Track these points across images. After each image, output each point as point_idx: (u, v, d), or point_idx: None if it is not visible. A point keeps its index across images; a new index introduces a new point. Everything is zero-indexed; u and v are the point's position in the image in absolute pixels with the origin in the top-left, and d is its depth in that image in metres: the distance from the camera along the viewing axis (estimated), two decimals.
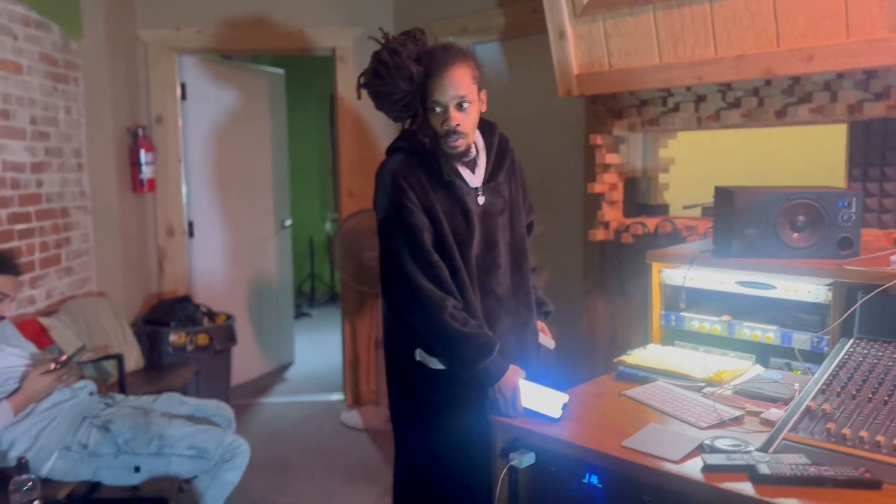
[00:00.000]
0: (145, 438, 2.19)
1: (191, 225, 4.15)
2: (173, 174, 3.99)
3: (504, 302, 1.99)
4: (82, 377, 2.52)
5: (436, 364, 1.93)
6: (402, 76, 1.85)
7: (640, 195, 2.98)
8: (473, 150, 1.97)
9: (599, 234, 2.91)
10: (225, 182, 4.35)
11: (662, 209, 2.95)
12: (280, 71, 4.77)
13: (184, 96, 4.04)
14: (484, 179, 1.97)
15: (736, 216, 2.00)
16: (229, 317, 3.94)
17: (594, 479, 1.61)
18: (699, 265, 2.12)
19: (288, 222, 4.93)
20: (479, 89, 1.92)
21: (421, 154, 1.92)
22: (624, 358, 2.09)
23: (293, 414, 4.04)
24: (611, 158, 2.88)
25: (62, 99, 3.34)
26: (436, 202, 1.89)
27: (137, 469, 2.20)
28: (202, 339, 3.64)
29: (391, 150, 2.00)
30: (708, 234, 2.51)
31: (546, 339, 2.18)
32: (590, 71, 2.65)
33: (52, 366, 2.18)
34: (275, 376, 4.73)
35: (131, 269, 3.81)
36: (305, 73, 6.12)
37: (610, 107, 2.83)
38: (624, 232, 2.85)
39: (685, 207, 2.79)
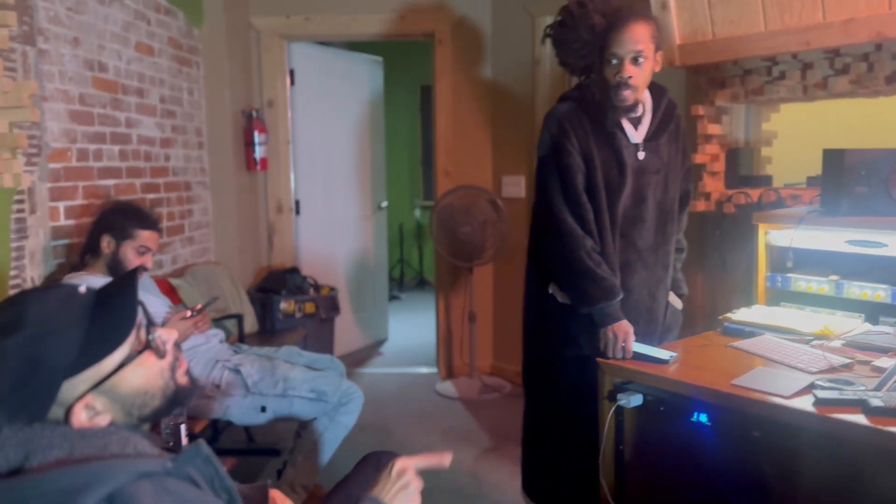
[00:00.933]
0: (271, 381, 2.39)
1: (297, 203, 4.39)
2: (283, 155, 4.23)
3: (643, 256, 2.08)
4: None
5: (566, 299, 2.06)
6: (586, 26, 2.01)
7: (742, 167, 2.98)
8: (641, 108, 2.08)
9: (700, 205, 2.93)
10: (327, 164, 4.58)
11: (765, 180, 2.94)
12: (379, 58, 4.96)
13: (292, 81, 4.28)
14: (645, 137, 2.08)
15: (846, 175, 2.01)
16: (332, 289, 4.16)
17: (702, 418, 1.67)
18: (808, 225, 2.13)
19: (384, 203, 5.13)
20: (656, 49, 2.01)
21: (589, 104, 2.06)
22: (729, 315, 2.13)
23: (390, 383, 4.22)
24: (713, 129, 2.90)
25: (186, 81, 3.61)
26: (594, 149, 2.02)
27: (263, 409, 2.40)
28: (309, 308, 3.87)
29: (562, 99, 2.15)
30: (814, 201, 2.50)
31: (675, 299, 2.26)
32: (692, 41, 2.68)
33: (189, 313, 2.40)
34: (371, 350, 4.93)
35: (245, 243, 4.08)
36: (397, 67, 6.31)
37: (712, 77, 2.85)
38: (726, 202, 2.86)
39: (787, 186, 2.77)
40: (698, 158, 2.90)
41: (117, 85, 2.96)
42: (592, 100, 2.05)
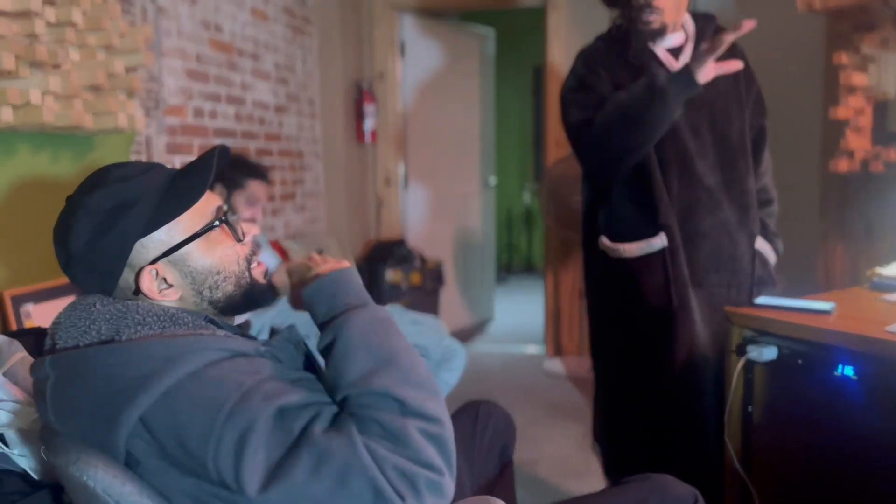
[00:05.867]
0: None
1: (405, 177, 4.37)
2: (392, 128, 4.23)
3: (714, 194, 1.88)
4: None
5: (621, 253, 1.89)
6: None
7: (891, 122, 2.66)
8: (681, 38, 1.91)
9: (842, 165, 2.63)
10: (436, 138, 4.54)
11: None
12: (490, 31, 4.87)
13: (403, 53, 4.27)
14: None
15: None
16: (439, 262, 4.11)
17: (848, 371, 1.46)
18: None
19: (493, 181, 5.03)
20: None
21: (620, 41, 1.91)
22: (878, 270, 1.88)
23: (496, 360, 4.12)
24: (858, 79, 2.60)
25: (299, 49, 3.66)
26: (627, 85, 1.85)
27: None
28: (415, 279, 3.83)
29: (594, 40, 2.02)
30: None
31: (763, 245, 1.99)
32: None
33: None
34: (476, 329, 4.85)
35: (354, 214, 4.10)
36: (510, 45, 6.20)
37: (858, 22, 2.55)
38: (873, 160, 2.55)
39: None
40: (840, 113, 2.61)
41: (232, 47, 3.02)
42: (623, 35, 1.90)
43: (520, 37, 6.35)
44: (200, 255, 1.00)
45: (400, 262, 3.86)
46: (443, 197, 4.63)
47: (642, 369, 1.92)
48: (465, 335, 4.66)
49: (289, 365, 0.97)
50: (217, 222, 1.01)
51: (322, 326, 0.99)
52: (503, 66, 5.87)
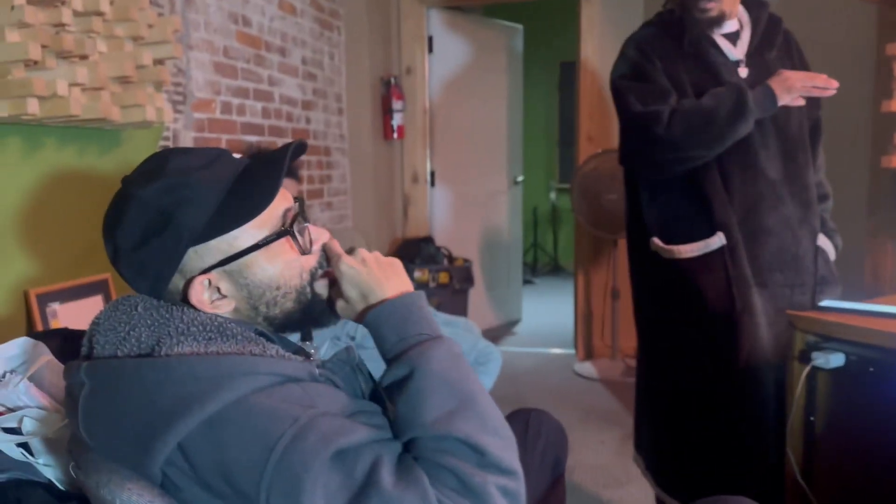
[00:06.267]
0: None
1: (432, 174, 4.29)
2: (420, 124, 4.15)
3: (777, 188, 1.78)
4: None
5: (675, 254, 1.79)
6: None
7: None
8: (736, 24, 1.83)
9: (895, 160, 2.51)
10: (463, 134, 4.45)
11: None
12: (518, 26, 4.77)
13: (430, 49, 4.19)
14: (747, 52, 1.81)
15: None
16: (466, 261, 4.02)
17: None
18: None
19: (520, 178, 4.93)
20: None
21: (673, 27, 1.82)
22: None
23: (525, 362, 4.02)
24: None
25: (327, 45, 3.60)
26: (682, 73, 1.78)
27: None
28: (443, 278, 3.75)
29: (642, 26, 1.93)
30: None
31: (825, 242, 1.89)
32: None
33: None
34: (504, 329, 4.76)
35: (380, 212, 4.03)
36: (537, 39, 6.09)
37: None
38: None
39: None
40: (893, 106, 2.48)
41: (260, 41, 2.96)
42: (677, 22, 1.81)
43: (546, 32, 6.25)
44: (260, 267, 0.89)
45: (427, 261, 3.78)
46: (470, 194, 4.54)
47: (698, 376, 1.81)
48: (493, 336, 4.56)
49: (345, 390, 0.88)
50: (283, 232, 0.90)
51: (391, 355, 0.88)
52: (531, 62, 5.77)
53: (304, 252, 0.92)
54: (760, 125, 1.75)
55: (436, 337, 0.89)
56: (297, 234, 0.91)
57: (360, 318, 0.92)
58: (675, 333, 1.86)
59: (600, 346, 3.99)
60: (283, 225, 0.90)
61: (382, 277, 0.92)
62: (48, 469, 1.13)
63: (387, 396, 0.89)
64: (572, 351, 4.16)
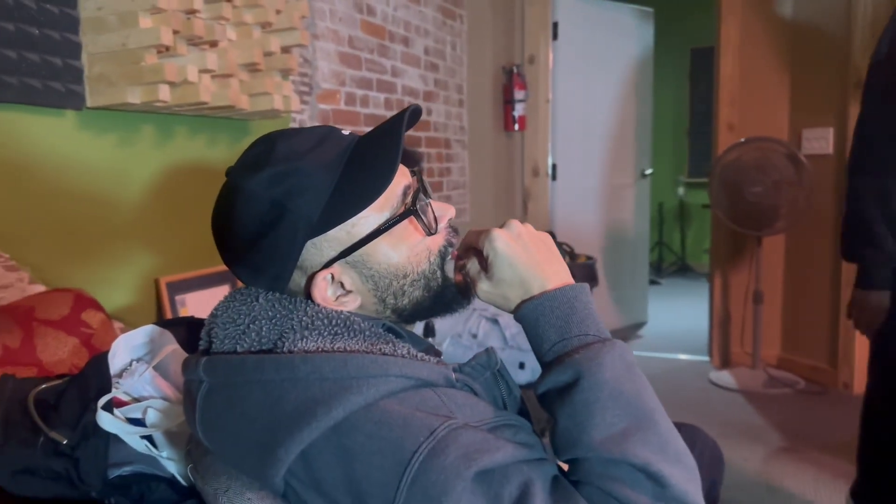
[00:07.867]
0: None
1: (554, 167, 4.12)
2: (542, 115, 3.99)
3: None
4: None
5: None
6: None
7: None
8: None
9: None
10: (588, 126, 4.25)
11: None
12: (649, 9, 4.50)
13: (555, 36, 4.01)
14: None
15: None
16: (590, 258, 3.82)
17: None
18: None
19: (648, 171, 4.66)
20: None
21: None
22: None
23: (655, 367, 3.77)
24: None
25: (449, 34, 3.51)
26: None
27: (522, 366, 2.15)
28: None
29: None
30: None
31: None
32: None
33: None
34: (628, 332, 4.51)
35: (500, 206, 3.90)
36: (666, 24, 5.76)
37: None
38: None
39: None
40: None
41: (384, 31, 2.91)
42: None
43: (677, 17, 5.90)
44: (384, 255, 0.79)
45: None
46: (593, 188, 4.33)
47: None
48: (618, 338, 4.33)
49: (485, 398, 0.76)
50: (406, 213, 0.79)
51: (551, 357, 0.75)
52: (660, 48, 5.46)
53: (430, 232, 0.81)
54: None
55: (606, 339, 0.75)
56: (420, 213, 0.79)
57: (517, 308, 0.78)
58: None
59: (739, 354, 3.67)
60: (404, 204, 0.79)
61: (544, 261, 0.78)
62: (170, 463, 1.09)
63: (543, 406, 0.75)
64: (706, 358, 3.86)
